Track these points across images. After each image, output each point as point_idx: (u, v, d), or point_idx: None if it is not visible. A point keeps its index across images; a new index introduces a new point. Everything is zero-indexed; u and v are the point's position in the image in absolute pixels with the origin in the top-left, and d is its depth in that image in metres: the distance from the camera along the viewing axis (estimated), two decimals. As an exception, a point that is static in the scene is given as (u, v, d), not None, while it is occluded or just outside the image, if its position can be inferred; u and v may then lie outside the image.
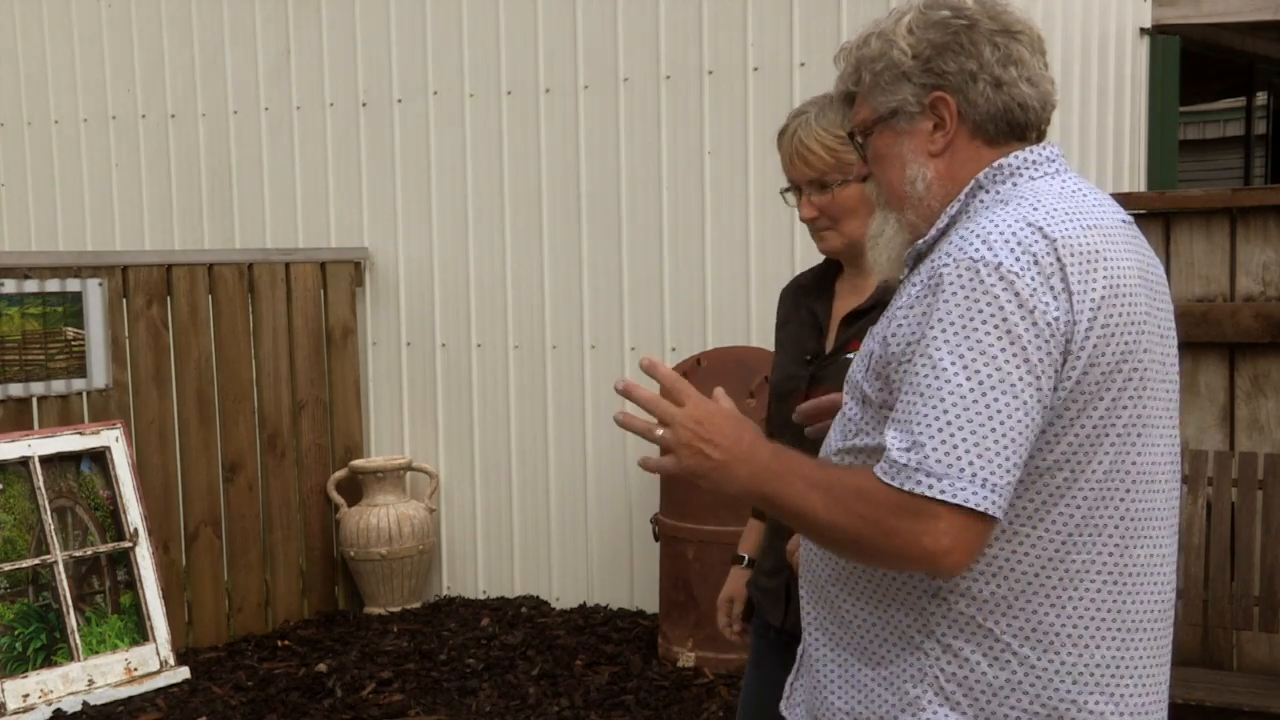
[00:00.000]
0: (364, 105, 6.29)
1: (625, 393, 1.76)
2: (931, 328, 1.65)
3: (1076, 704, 1.71)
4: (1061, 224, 1.68)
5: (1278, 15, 7.19)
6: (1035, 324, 1.62)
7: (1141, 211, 4.45)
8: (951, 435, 1.60)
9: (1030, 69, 1.80)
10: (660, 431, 1.72)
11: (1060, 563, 1.70)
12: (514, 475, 6.08)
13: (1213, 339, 4.25)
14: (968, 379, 1.61)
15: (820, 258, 2.73)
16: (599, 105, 5.78)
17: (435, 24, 6.11)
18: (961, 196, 1.80)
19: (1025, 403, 1.61)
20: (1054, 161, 1.81)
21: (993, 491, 1.60)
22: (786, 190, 2.62)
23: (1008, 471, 1.61)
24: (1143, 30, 6.69)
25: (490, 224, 6.01)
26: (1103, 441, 1.69)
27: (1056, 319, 1.63)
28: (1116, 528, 1.72)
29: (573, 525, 5.96)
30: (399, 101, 6.21)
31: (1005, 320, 1.61)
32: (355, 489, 6.14)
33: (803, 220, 2.59)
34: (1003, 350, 1.61)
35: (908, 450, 1.62)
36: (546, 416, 5.97)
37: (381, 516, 5.97)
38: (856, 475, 1.68)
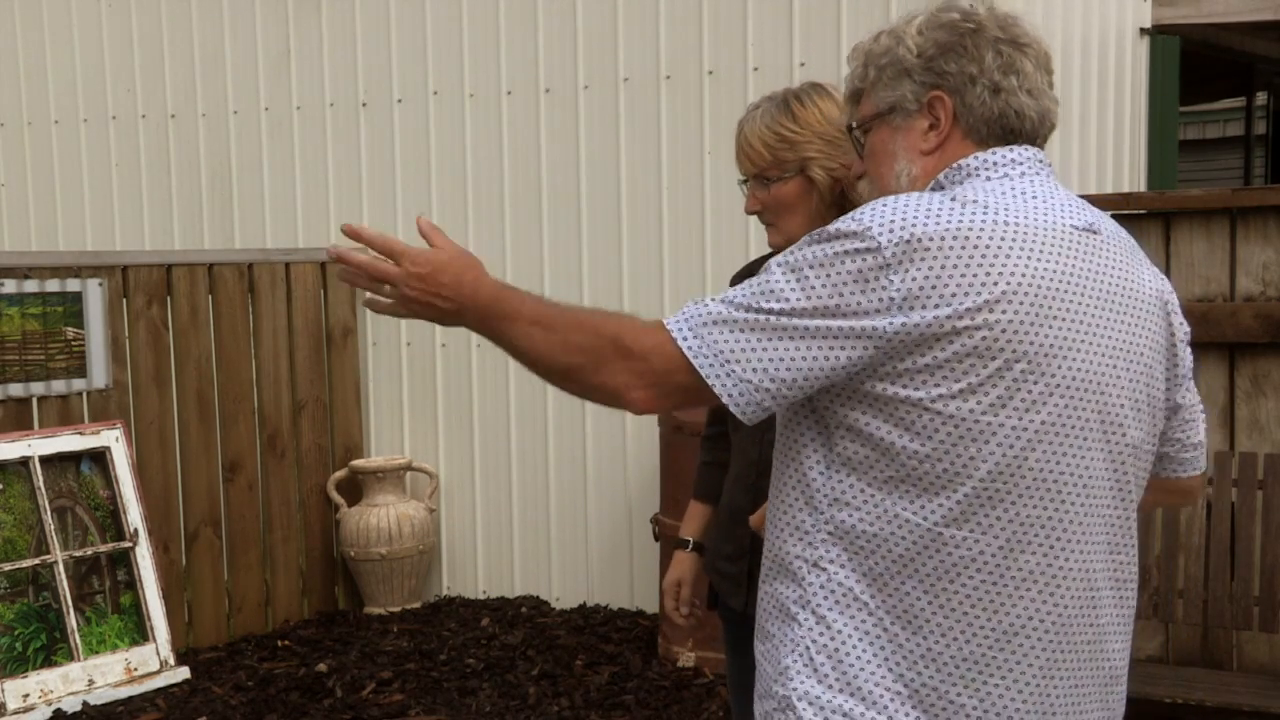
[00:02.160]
0: (364, 105, 6.29)
1: (337, 258, 1.81)
2: (792, 249, 1.72)
3: (938, 691, 1.72)
4: (971, 217, 1.69)
5: (1278, 15, 7.20)
6: (865, 290, 1.66)
7: (1141, 211, 4.45)
8: (724, 311, 1.70)
9: (1032, 81, 1.81)
10: (386, 297, 1.78)
11: (937, 550, 1.70)
12: (514, 475, 6.08)
13: (1213, 339, 4.24)
14: (775, 293, 1.68)
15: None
16: (599, 105, 5.78)
17: (435, 24, 6.11)
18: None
19: (801, 334, 1.67)
20: (1019, 164, 1.79)
21: (714, 358, 1.68)
22: (743, 181, 2.67)
23: (742, 367, 1.68)
24: (1143, 30, 6.69)
25: (490, 224, 6.01)
26: (989, 440, 1.68)
27: (895, 299, 1.65)
28: (1003, 530, 1.71)
29: (573, 525, 5.96)
30: (399, 101, 6.21)
31: (837, 274, 1.67)
32: (355, 489, 6.14)
33: (746, 212, 2.65)
34: (819, 293, 1.66)
35: (693, 304, 1.73)
36: (546, 416, 5.97)
37: (381, 516, 5.97)
38: (594, 313, 1.79)
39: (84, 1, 6.95)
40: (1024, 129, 1.81)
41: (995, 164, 1.79)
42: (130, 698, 4.95)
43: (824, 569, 1.75)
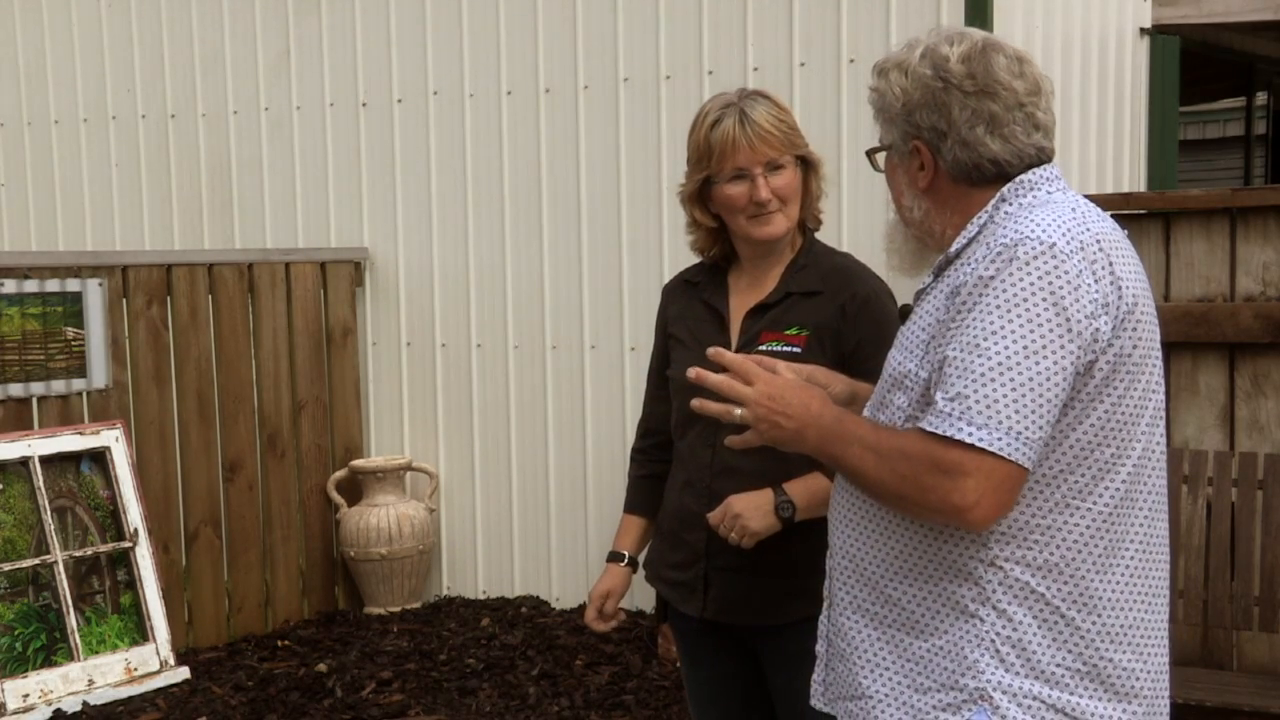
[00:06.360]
0: (364, 105, 6.29)
1: (698, 380, 1.98)
2: (985, 295, 1.80)
3: (1112, 661, 1.88)
4: (1096, 223, 1.88)
5: (1278, 15, 7.20)
6: (1080, 300, 1.78)
7: (1141, 211, 4.45)
8: (993, 390, 1.77)
9: (1002, 125, 1.92)
10: (739, 412, 1.93)
11: (1106, 532, 1.87)
12: (514, 475, 6.08)
13: (1213, 339, 4.24)
14: (1014, 342, 1.77)
15: (692, 261, 2.83)
16: (599, 105, 5.78)
17: (435, 24, 6.10)
18: (988, 208, 1.95)
19: (1064, 369, 1.78)
20: (1059, 179, 1.97)
21: (1025, 445, 1.77)
22: (735, 178, 2.59)
23: (1040, 429, 1.78)
24: (1143, 30, 6.69)
25: (490, 224, 6.01)
26: (1139, 421, 1.87)
27: (1099, 299, 1.80)
28: (1146, 500, 1.91)
29: (573, 525, 5.96)
30: (399, 101, 6.21)
31: (1054, 292, 1.78)
32: (355, 489, 6.14)
33: (760, 200, 2.59)
34: (1050, 319, 1.77)
35: (952, 400, 1.79)
36: (546, 416, 5.96)
37: (381, 516, 5.97)
38: (902, 436, 1.86)
39: (84, 1, 6.95)
40: (1001, 173, 1.94)
41: (1048, 179, 1.95)
42: (130, 698, 4.95)
43: (1000, 567, 1.87)
